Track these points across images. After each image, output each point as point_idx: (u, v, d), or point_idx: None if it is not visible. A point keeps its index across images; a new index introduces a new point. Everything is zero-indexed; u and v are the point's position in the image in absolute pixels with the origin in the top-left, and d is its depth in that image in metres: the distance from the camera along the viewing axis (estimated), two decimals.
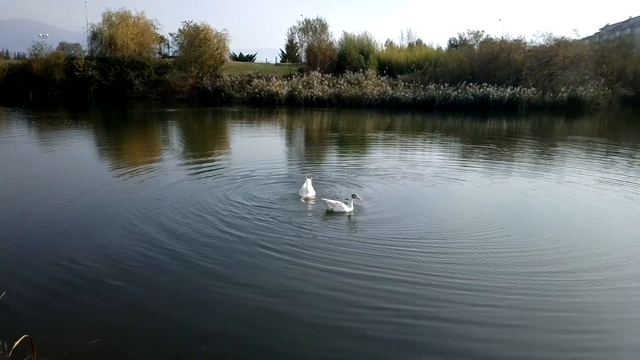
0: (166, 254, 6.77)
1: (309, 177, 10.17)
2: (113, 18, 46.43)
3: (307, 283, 5.95)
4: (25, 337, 1.75)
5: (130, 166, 13.16)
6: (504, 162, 15.27)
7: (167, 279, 6.02)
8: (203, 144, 19.41)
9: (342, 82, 40.24)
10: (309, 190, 9.75)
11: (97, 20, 60.04)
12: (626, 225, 8.51)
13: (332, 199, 9.19)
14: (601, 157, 16.27)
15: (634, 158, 16.09)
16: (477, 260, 6.67)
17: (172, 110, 33.67)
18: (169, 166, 13.44)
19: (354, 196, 8.82)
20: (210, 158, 15.23)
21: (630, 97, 42.55)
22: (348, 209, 8.72)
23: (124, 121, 28.42)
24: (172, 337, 4.73)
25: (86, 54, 47.62)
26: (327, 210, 8.80)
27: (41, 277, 5.98)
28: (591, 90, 37.61)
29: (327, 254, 6.87)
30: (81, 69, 43.21)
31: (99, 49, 47.04)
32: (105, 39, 46.01)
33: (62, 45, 55.49)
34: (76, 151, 16.25)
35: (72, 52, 50.30)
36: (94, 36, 47.10)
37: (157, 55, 51.44)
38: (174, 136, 22.07)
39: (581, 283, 6.01)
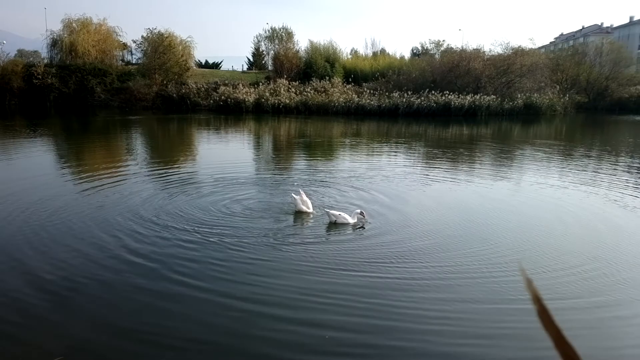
0: (122, 266, 6.53)
1: (298, 191, 9.44)
2: (74, 25, 45.47)
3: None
4: None
5: (84, 175, 12.81)
6: (470, 166, 15.80)
7: (126, 291, 5.83)
8: (166, 152, 19.20)
9: (309, 89, 40.60)
10: (307, 203, 9.10)
11: (56, 27, 58.72)
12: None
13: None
14: (564, 160, 17.08)
15: (590, 160, 16.96)
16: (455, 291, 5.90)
17: (135, 117, 33.17)
18: (127, 175, 13.00)
19: (361, 214, 8.47)
20: (172, 166, 14.93)
21: (584, 103, 44.71)
22: (352, 220, 8.39)
23: (84, 129, 27.78)
24: (133, 350, 4.68)
25: (45, 61, 46.39)
26: (331, 222, 8.46)
27: None
28: (549, 97, 39.31)
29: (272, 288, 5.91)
30: (40, 76, 42.00)
31: (59, 56, 45.93)
32: (65, 46, 44.95)
33: (20, 52, 53.76)
34: (30, 161, 15.60)
35: (31, 59, 48.78)
36: (54, 43, 46.01)
37: (120, 62, 50.62)
38: (136, 144, 21.72)
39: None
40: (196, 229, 8.07)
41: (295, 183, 11.91)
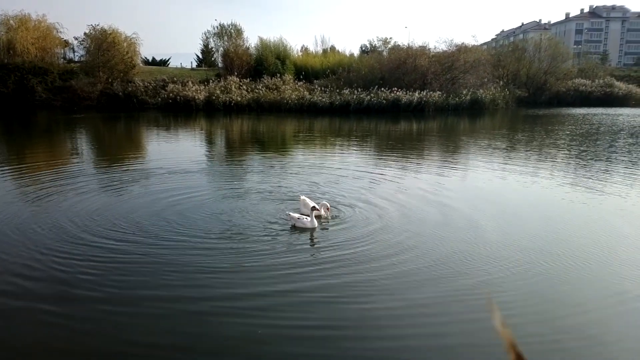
0: (46, 278, 6.12)
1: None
2: (11, 22, 43.45)
3: None
4: None
5: (15, 178, 12.17)
6: (421, 159, 16.26)
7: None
8: (109, 152, 18.53)
9: (260, 87, 40.53)
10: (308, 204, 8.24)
11: None
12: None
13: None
14: (511, 150, 17.98)
15: (532, 150, 17.94)
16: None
17: (79, 116, 31.98)
18: (55, 179, 12.22)
19: (313, 208, 7.71)
20: (113, 168, 14.32)
21: (524, 97, 46.95)
22: (310, 225, 7.65)
23: (24, 130, 26.44)
24: None
25: None
26: (291, 226, 7.85)
27: None
28: (491, 92, 41.02)
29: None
30: None
31: None
32: (2, 44, 42.87)
33: None
34: None
35: None
36: None
37: (62, 60, 48.65)
38: (77, 144, 20.71)
39: None
40: (98, 253, 6.91)
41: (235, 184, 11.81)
